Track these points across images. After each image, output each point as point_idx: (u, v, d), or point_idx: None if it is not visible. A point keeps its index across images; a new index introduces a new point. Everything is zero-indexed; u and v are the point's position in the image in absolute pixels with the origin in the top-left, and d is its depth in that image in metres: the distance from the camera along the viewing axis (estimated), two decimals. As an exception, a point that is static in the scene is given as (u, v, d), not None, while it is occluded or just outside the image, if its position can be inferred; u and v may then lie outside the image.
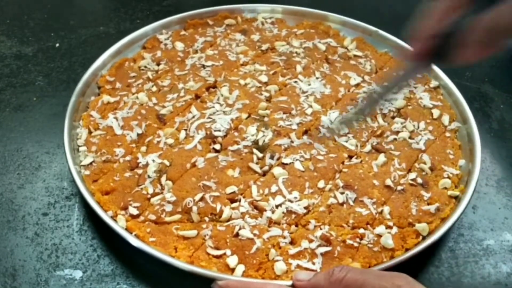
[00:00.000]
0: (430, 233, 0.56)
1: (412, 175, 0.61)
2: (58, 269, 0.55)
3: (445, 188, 0.61)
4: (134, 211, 0.56)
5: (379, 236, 0.55)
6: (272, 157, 0.62)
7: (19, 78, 0.77)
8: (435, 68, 0.74)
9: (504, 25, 0.40)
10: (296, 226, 0.56)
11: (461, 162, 0.64)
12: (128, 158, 0.62)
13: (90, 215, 0.60)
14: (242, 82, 0.72)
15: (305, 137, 0.65)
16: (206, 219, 0.56)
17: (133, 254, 0.55)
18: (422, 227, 0.56)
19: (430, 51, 0.46)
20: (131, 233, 0.54)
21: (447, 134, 0.67)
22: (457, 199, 0.59)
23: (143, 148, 0.63)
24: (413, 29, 0.44)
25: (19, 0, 0.93)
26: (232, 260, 0.52)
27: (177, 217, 0.56)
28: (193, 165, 0.61)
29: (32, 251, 0.57)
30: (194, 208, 0.56)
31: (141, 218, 0.56)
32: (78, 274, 0.55)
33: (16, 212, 0.60)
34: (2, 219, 0.60)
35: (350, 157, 0.64)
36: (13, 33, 0.86)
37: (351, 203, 0.58)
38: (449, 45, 0.44)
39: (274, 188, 0.59)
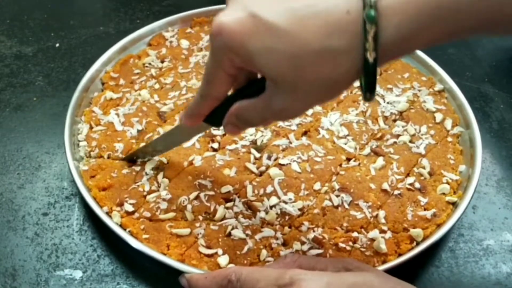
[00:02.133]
0: (425, 239, 0.56)
1: (410, 179, 0.60)
2: (58, 269, 0.56)
3: (443, 193, 0.60)
4: (130, 208, 0.57)
5: (373, 240, 0.55)
6: (269, 158, 0.62)
7: (19, 78, 0.78)
8: (440, 70, 0.73)
9: (243, 118, 0.44)
10: (290, 227, 0.56)
11: (462, 167, 0.63)
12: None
13: (90, 215, 0.60)
14: (244, 81, 0.72)
15: (304, 138, 0.65)
16: (200, 217, 0.57)
17: (133, 254, 0.55)
18: (416, 232, 0.55)
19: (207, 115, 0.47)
20: (125, 229, 0.55)
21: (449, 139, 0.66)
22: (455, 205, 0.59)
23: (142, 145, 0.64)
24: (204, 91, 0.45)
25: (19, 0, 0.93)
26: (223, 260, 0.53)
27: (171, 215, 0.57)
28: (190, 163, 0.61)
29: (32, 251, 0.58)
30: (189, 207, 0.57)
31: (136, 215, 0.57)
32: (78, 274, 0.56)
33: (16, 212, 0.61)
34: (2, 219, 0.61)
35: (349, 159, 0.63)
36: (13, 33, 0.86)
37: (346, 206, 0.58)
38: (221, 115, 0.46)
39: (269, 189, 0.58)
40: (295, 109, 0.41)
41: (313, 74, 0.37)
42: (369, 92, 0.38)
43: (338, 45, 0.36)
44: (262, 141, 0.64)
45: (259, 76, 0.44)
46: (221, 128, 0.47)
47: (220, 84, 0.43)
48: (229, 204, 0.57)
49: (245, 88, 0.44)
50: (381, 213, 0.57)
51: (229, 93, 0.45)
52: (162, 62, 0.76)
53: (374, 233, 0.55)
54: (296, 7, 0.36)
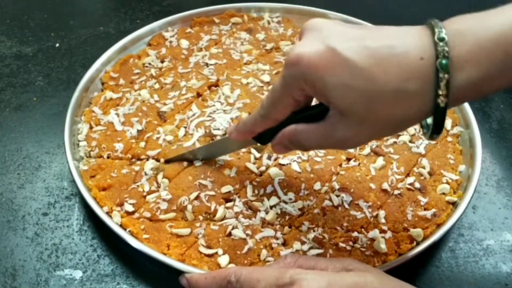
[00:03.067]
0: (425, 238, 0.56)
1: (410, 179, 0.61)
2: (58, 269, 0.56)
3: (443, 193, 0.60)
4: (130, 208, 0.57)
5: (373, 240, 0.55)
6: (269, 158, 0.62)
7: (19, 78, 0.78)
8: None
9: (297, 142, 0.46)
10: (290, 227, 0.56)
11: (461, 167, 0.63)
12: (128, 155, 0.62)
13: (90, 215, 0.60)
14: (244, 81, 0.72)
15: (304, 138, 0.65)
16: (200, 217, 0.57)
17: (133, 254, 0.55)
18: (416, 232, 0.55)
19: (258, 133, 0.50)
20: (125, 229, 0.55)
21: (449, 139, 0.66)
22: (455, 205, 0.59)
23: (142, 144, 0.64)
24: (266, 112, 0.47)
25: (19, 0, 0.94)
26: (223, 260, 0.53)
27: (171, 215, 0.57)
28: (191, 163, 0.61)
29: (32, 251, 0.58)
30: (189, 207, 0.57)
31: (136, 215, 0.57)
32: (78, 274, 0.56)
33: (16, 212, 0.61)
34: (2, 219, 0.61)
35: (349, 159, 0.63)
36: (13, 33, 0.87)
37: (346, 206, 0.58)
38: (270, 134, 0.48)
39: (269, 189, 0.59)
40: (357, 140, 0.43)
41: (385, 113, 0.39)
42: (436, 133, 0.40)
43: (412, 89, 0.38)
44: (262, 141, 0.64)
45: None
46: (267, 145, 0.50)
47: (284, 108, 0.45)
48: (229, 204, 0.57)
49: (299, 112, 0.45)
50: (381, 213, 0.57)
51: None
52: (162, 62, 0.76)
53: (374, 233, 0.55)
54: (374, 47, 0.38)
